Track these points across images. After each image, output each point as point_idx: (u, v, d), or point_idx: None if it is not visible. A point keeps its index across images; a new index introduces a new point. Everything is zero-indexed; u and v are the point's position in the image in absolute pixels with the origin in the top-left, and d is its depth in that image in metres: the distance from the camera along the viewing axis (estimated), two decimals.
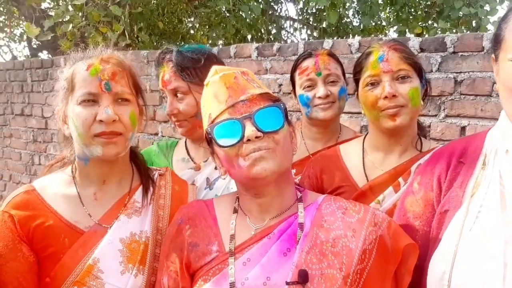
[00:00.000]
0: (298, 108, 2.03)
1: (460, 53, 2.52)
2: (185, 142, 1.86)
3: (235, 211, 1.22)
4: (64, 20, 5.16)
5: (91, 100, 1.24)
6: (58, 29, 5.09)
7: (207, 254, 1.16)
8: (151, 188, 1.40)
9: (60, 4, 5.45)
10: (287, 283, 1.05)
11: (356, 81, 1.59)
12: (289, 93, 2.27)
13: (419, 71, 1.51)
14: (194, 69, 1.65)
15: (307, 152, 1.94)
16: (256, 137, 1.08)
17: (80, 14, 5.13)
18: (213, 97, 1.15)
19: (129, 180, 1.39)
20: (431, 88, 1.65)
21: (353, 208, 1.18)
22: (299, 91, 1.90)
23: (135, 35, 6.33)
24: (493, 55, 1.13)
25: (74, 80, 1.26)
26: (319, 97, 1.83)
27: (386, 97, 1.45)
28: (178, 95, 1.65)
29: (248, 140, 1.08)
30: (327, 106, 1.84)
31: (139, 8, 5.49)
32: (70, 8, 5.31)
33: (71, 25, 4.86)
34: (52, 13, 5.76)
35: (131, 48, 6.02)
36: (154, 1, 6.85)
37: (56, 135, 4.67)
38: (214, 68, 1.21)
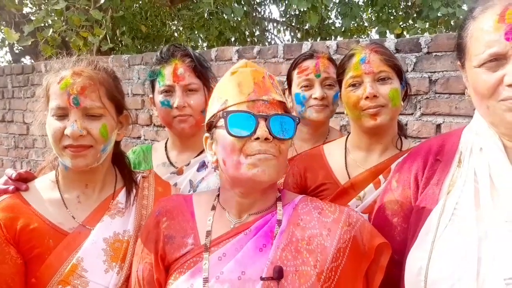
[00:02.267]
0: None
1: (434, 53, 2.58)
2: (165, 146, 1.88)
3: (213, 208, 1.24)
4: (45, 25, 5.12)
5: (61, 113, 1.26)
6: (39, 34, 5.05)
7: (182, 246, 1.18)
8: (134, 190, 1.43)
9: (42, 8, 5.39)
10: (262, 279, 1.07)
11: (339, 82, 1.64)
12: None
13: (399, 73, 1.57)
14: (206, 68, 1.75)
15: (295, 152, 1.97)
16: (266, 139, 1.10)
17: (61, 18, 5.10)
18: (237, 86, 1.16)
19: (113, 183, 1.42)
20: (411, 89, 1.71)
21: (328, 209, 1.21)
22: (295, 89, 1.94)
23: (118, 39, 6.31)
24: (458, 63, 1.16)
25: (49, 92, 1.29)
26: (315, 98, 1.87)
27: (367, 97, 1.50)
28: (189, 90, 1.69)
29: (257, 138, 1.10)
30: (321, 108, 1.88)
31: (120, 12, 5.47)
32: (50, 13, 5.26)
33: (51, 30, 4.83)
34: (33, 18, 5.70)
35: (114, 52, 6.00)
36: (137, 5, 6.84)
37: (38, 141, 4.64)
38: (245, 61, 1.23)
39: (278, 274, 1.07)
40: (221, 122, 1.14)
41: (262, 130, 1.10)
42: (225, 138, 1.13)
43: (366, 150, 1.63)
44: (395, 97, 1.52)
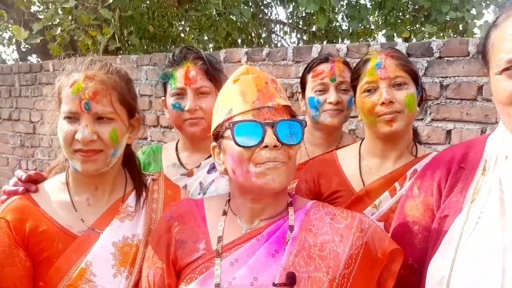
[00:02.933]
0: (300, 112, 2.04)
1: (446, 58, 2.56)
2: (176, 147, 1.87)
3: (225, 213, 1.23)
4: (54, 23, 5.14)
5: (73, 117, 1.26)
6: (48, 32, 5.06)
7: (194, 251, 1.17)
8: (143, 193, 1.42)
9: (50, 7, 5.41)
10: (275, 285, 1.06)
11: (354, 87, 1.63)
12: None
13: (415, 78, 1.55)
14: (219, 71, 1.74)
15: (307, 157, 1.94)
16: (275, 146, 1.09)
17: (70, 17, 5.11)
18: (240, 94, 1.15)
19: (123, 186, 1.41)
20: (426, 94, 1.69)
21: (341, 215, 1.21)
22: (309, 93, 1.92)
23: (125, 39, 6.32)
24: (485, 70, 1.16)
25: (61, 95, 1.29)
26: (330, 103, 1.85)
27: (383, 103, 1.48)
28: (201, 93, 1.68)
29: (266, 146, 1.09)
30: (335, 112, 1.86)
31: (129, 12, 5.48)
32: (59, 11, 5.28)
33: (59, 29, 4.84)
34: (42, 17, 5.72)
35: (121, 52, 6.01)
36: (145, 5, 6.85)
37: (44, 140, 4.64)
38: (246, 67, 1.22)
39: (291, 281, 1.06)
40: (228, 133, 1.14)
41: (270, 138, 1.09)
42: (233, 148, 1.12)
43: (381, 157, 1.61)
44: (411, 102, 1.51)
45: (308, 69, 1.96)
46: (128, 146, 1.43)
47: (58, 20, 5.17)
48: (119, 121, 1.31)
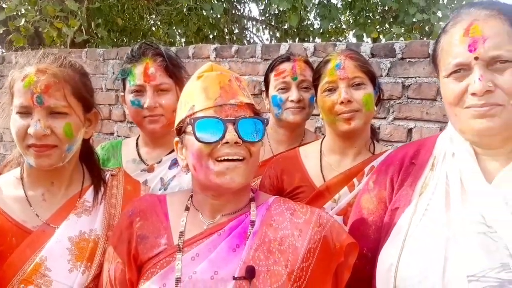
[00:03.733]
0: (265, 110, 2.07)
1: (408, 59, 2.65)
2: (136, 142, 1.86)
3: (187, 208, 1.24)
4: (18, 14, 4.97)
5: (25, 111, 1.23)
6: (11, 23, 4.90)
7: (156, 246, 1.18)
8: (101, 188, 1.41)
9: None
10: (234, 278, 1.09)
11: (315, 87, 1.68)
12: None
13: (373, 79, 1.62)
14: (179, 67, 1.73)
15: (271, 153, 1.98)
16: (236, 143, 1.11)
17: (35, 8, 4.95)
18: (202, 91, 1.16)
19: (80, 181, 1.40)
20: (383, 94, 1.76)
21: (300, 210, 1.24)
22: (272, 91, 1.95)
23: (93, 31, 6.18)
24: (436, 74, 1.23)
25: (13, 89, 1.26)
26: (292, 101, 1.90)
27: (342, 102, 1.55)
28: (160, 90, 1.67)
29: (226, 143, 1.11)
30: (297, 110, 1.91)
31: (96, 4, 5.36)
32: (24, 1, 5.11)
33: (24, 20, 4.69)
34: (5, 6, 5.52)
35: (89, 45, 5.88)
36: None
37: (6, 135, 4.50)
38: (210, 64, 1.23)
39: (250, 274, 1.09)
40: (189, 128, 1.15)
41: (231, 134, 1.11)
42: (194, 144, 1.14)
43: (340, 154, 1.67)
44: (369, 102, 1.57)
45: (271, 68, 2.00)
46: (86, 141, 1.42)
47: (22, 11, 5.00)
48: (74, 115, 1.29)
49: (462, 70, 1.07)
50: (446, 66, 1.10)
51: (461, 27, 1.07)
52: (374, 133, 1.78)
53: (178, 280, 1.10)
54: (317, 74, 1.66)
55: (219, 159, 1.12)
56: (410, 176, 1.24)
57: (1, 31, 4.85)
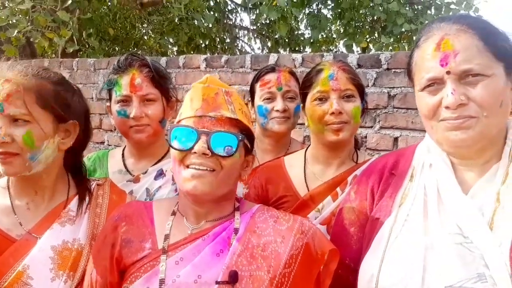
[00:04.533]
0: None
1: (393, 70, 2.70)
2: (122, 153, 1.87)
3: (173, 213, 1.27)
4: (9, 24, 4.98)
5: None
6: (2, 34, 4.91)
7: (140, 250, 1.20)
8: (86, 198, 1.42)
9: (7, 6, 5.24)
10: (217, 282, 1.11)
11: (304, 95, 1.69)
12: None
13: (361, 92, 1.65)
14: (166, 78, 1.74)
15: (257, 163, 1.97)
16: (204, 154, 1.14)
17: (26, 18, 4.97)
18: (189, 101, 1.22)
19: (65, 191, 1.41)
20: (367, 106, 1.80)
21: (283, 218, 1.27)
22: (258, 101, 1.98)
23: (85, 41, 6.20)
24: (413, 88, 1.25)
25: None
26: (277, 110, 1.92)
27: (333, 113, 1.56)
28: (146, 100, 1.68)
29: (195, 153, 1.15)
30: (283, 120, 1.93)
31: (88, 14, 5.39)
32: (15, 12, 5.12)
33: (16, 30, 4.70)
34: None
35: (80, 54, 5.90)
36: (105, 7, 6.74)
37: None
38: (206, 76, 1.26)
39: (233, 278, 1.11)
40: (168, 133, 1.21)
41: (200, 145, 1.14)
42: (172, 149, 1.20)
43: (324, 163, 1.69)
44: (357, 114, 1.61)
45: (256, 79, 2.03)
46: (73, 151, 1.42)
47: (14, 21, 5.02)
48: (36, 124, 1.27)
49: (435, 84, 1.09)
50: (420, 80, 1.12)
51: (433, 41, 1.09)
52: (357, 143, 1.81)
53: (162, 282, 1.12)
54: (308, 82, 1.67)
55: (189, 167, 1.16)
56: (390, 186, 1.26)
57: None
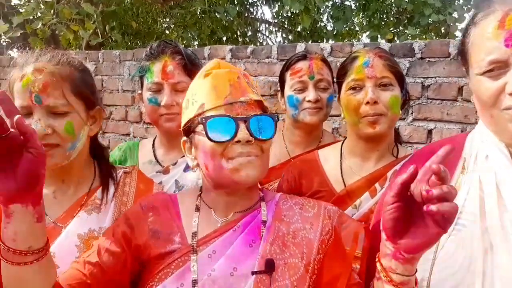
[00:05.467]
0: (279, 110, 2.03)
1: (427, 59, 2.60)
2: (153, 144, 1.84)
3: (197, 208, 1.23)
4: (35, 17, 5.04)
5: (25, 112, 1.21)
6: (28, 26, 4.96)
7: (169, 243, 1.16)
8: (112, 186, 1.39)
9: (31, 0, 5.30)
10: (254, 273, 1.08)
11: (339, 84, 1.61)
12: (263, 95, 2.28)
13: (401, 80, 1.54)
14: (198, 66, 1.68)
15: (288, 156, 1.92)
16: (248, 141, 1.10)
17: (51, 11, 5.01)
18: (212, 89, 1.13)
19: (90, 179, 1.39)
20: (409, 97, 1.68)
21: (308, 204, 1.24)
22: (288, 91, 1.88)
23: (108, 34, 6.24)
24: (463, 69, 1.13)
25: (12, 90, 1.24)
26: (309, 101, 1.82)
27: (368, 102, 1.47)
28: (178, 89, 1.65)
29: (238, 141, 1.09)
30: (315, 111, 1.83)
31: (112, 7, 5.41)
32: (41, 5, 5.18)
33: (41, 23, 4.74)
34: (22, 10, 5.60)
35: (103, 47, 5.93)
36: (128, 1, 6.77)
37: None
38: (217, 61, 1.20)
39: (270, 267, 1.08)
40: (200, 128, 1.13)
41: (243, 133, 1.09)
42: (205, 143, 1.12)
43: (362, 157, 1.60)
44: (395, 104, 1.50)
45: (286, 67, 1.92)
46: (94, 138, 1.40)
47: (39, 14, 5.07)
48: (75, 114, 1.26)
49: (497, 67, 0.97)
50: (479, 62, 1.00)
51: (495, 18, 0.97)
52: (398, 136, 1.70)
53: (194, 282, 1.09)
54: (342, 71, 1.58)
55: (232, 158, 1.11)
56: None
57: (19, 34, 4.91)
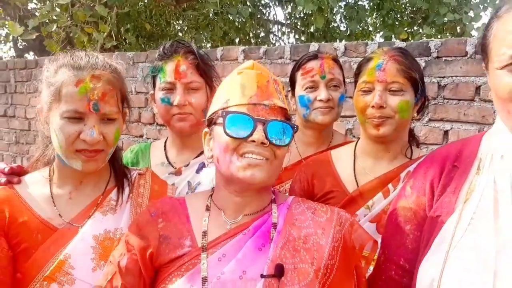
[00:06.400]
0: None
1: (444, 58, 2.55)
2: (164, 145, 1.83)
3: (208, 208, 1.24)
4: (50, 20, 5.10)
5: (76, 117, 1.23)
6: (43, 29, 5.03)
7: (179, 247, 1.17)
8: (127, 188, 1.40)
9: (47, 3, 5.38)
10: (263, 276, 1.08)
11: (356, 83, 1.61)
12: None
13: (415, 85, 1.51)
14: (210, 66, 1.71)
15: (299, 157, 1.91)
16: (262, 143, 1.12)
17: (66, 14, 5.08)
18: (240, 86, 1.18)
19: (106, 180, 1.40)
20: (428, 100, 1.65)
21: (321, 209, 1.24)
22: (299, 91, 1.87)
23: (122, 37, 6.29)
24: (483, 64, 1.12)
25: (62, 92, 1.24)
26: (320, 100, 1.81)
27: (373, 106, 1.47)
28: (191, 89, 1.65)
29: (253, 141, 1.11)
30: (326, 110, 1.82)
31: (126, 9, 5.45)
32: (56, 8, 5.24)
33: (55, 25, 4.80)
34: (38, 13, 5.69)
35: (117, 50, 5.98)
36: (142, 3, 6.82)
37: (39, 137, 4.61)
38: (252, 62, 1.23)
39: (279, 272, 1.09)
40: (220, 120, 1.16)
41: (259, 134, 1.11)
42: (221, 136, 1.15)
43: (375, 157, 1.59)
44: (404, 109, 1.48)
45: (298, 67, 1.91)
46: None
47: (54, 17, 5.14)
48: (120, 120, 1.32)
49: None
50: (500, 56, 0.99)
51: None
52: (414, 137, 1.68)
53: (204, 280, 1.09)
54: (357, 70, 1.59)
55: (243, 155, 1.13)
56: (453, 180, 1.13)
57: (34, 37, 4.98)
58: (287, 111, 1.21)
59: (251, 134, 1.12)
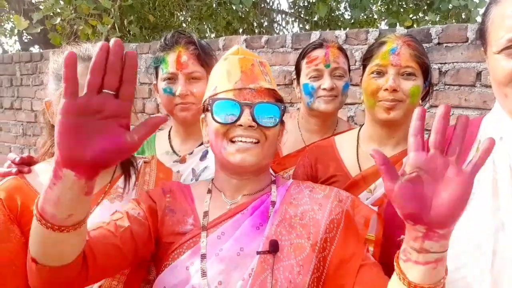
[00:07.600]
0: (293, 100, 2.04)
1: (445, 44, 2.55)
2: (169, 134, 1.87)
3: (209, 191, 1.29)
4: (54, 13, 5.13)
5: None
6: (47, 22, 5.06)
7: (182, 223, 1.22)
8: (133, 176, 1.44)
9: None
10: (258, 253, 1.12)
11: (364, 67, 1.62)
12: (278, 85, 2.28)
13: (426, 71, 1.53)
14: (211, 56, 1.73)
15: (303, 144, 1.94)
16: (250, 126, 1.15)
17: (70, 7, 5.10)
18: (225, 73, 1.21)
19: (113, 168, 1.43)
20: (433, 90, 1.66)
21: (319, 187, 1.28)
22: (304, 79, 1.89)
23: (126, 28, 6.31)
24: (482, 49, 1.14)
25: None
26: (324, 89, 1.83)
27: (386, 89, 1.48)
28: (192, 78, 1.68)
29: (240, 125, 1.15)
30: (330, 99, 1.84)
31: (129, 1, 5.46)
32: (60, 1, 5.26)
33: (59, 18, 4.83)
34: (42, 6, 5.71)
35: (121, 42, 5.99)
36: None
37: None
38: (237, 47, 1.26)
39: (274, 247, 1.12)
40: (210, 108, 1.20)
41: (245, 118, 1.15)
42: (211, 123, 1.20)
43: (379, 143, 1.61)
44: (415, 94, 1.50)
45: (302, 55, 1.93)
46: None
47: (58, 10, 5.16)
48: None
49: None
50: (497, 41, 1.00)
51: None
52: None
53: (203, 256, 1.14)
54: (368, 54, 1.59)
55: (233, 140, 1.17)
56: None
57: (39, 30, 5.01)
58: (276, 91, 1.23)
59: (238, 119, 1.15)
